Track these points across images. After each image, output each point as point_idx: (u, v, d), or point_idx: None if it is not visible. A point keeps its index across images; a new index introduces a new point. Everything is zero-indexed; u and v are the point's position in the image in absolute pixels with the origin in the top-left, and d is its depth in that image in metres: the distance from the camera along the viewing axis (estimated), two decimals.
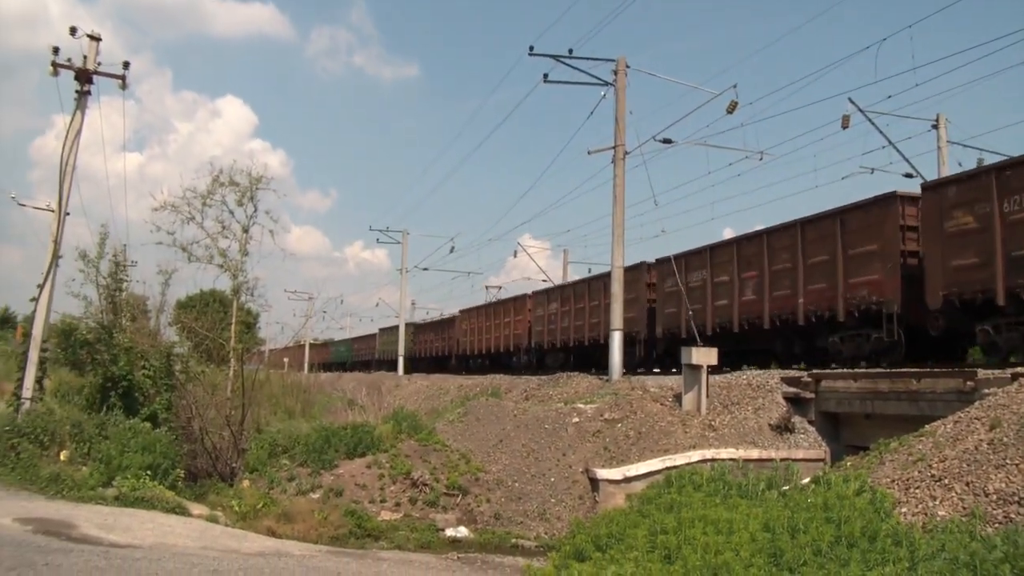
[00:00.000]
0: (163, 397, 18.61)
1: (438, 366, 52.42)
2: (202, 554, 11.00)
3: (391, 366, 58.57)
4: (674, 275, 25.72)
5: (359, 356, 76.68)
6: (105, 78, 20.32)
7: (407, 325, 57.97)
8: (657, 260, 28.02)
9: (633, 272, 27.67)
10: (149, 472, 14.85)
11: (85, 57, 19.70)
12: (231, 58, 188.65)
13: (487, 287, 64.77)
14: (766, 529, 8.73)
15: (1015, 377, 12.64)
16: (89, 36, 19.73)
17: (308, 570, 10.93)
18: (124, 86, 20.46)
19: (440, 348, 52.95)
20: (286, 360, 51.01)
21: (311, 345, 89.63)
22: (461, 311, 48.93)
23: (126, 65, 20.42)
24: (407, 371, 52.95)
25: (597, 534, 9.97)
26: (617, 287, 24.44)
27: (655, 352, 28.43)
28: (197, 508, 14.44)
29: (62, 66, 19.53)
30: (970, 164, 25.16)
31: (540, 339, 36.72)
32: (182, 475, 16.08)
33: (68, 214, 19.39)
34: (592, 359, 30.91)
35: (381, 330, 68.67)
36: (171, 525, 12.63)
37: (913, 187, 19.45)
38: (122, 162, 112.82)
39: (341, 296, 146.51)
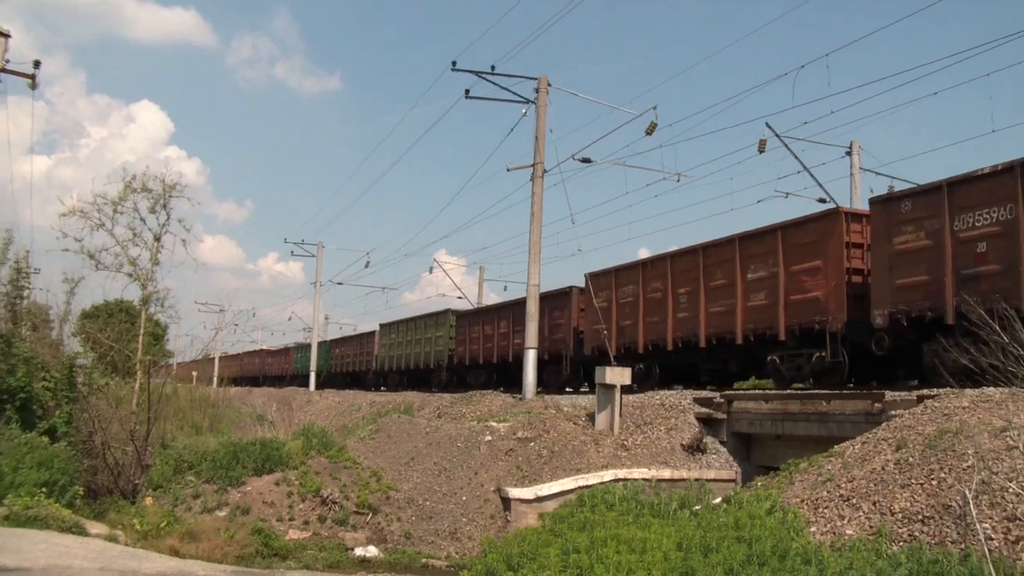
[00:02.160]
0: (64, 410, 17.92)
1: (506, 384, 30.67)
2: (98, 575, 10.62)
3: (416, 379, 42.56)
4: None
5: (344, 364, 55.24)
6: (13, 77, 19.71)
7: (481, 309, 40.27)
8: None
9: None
10: (44, 489, 14.22)
11: None
12: (149, 63, 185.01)
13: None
14: (679, 548, 8.78)
15: (920, 399, 13.01)
16: None
17: None
18: (34, 86, 19.86)
19: (549, 345, 28.92)
20: (194, 373, 49.76)
21: (265, 351, 79.15)
22: (617, 269, 26.01)
23: (37, 64, 19.84)
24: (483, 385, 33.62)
25: (509, 553, 9.90)
26: (533, 306, 24.54)
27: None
28: (96, 527, 13.91)
29: None
30: (882, 190, 25.95)
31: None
32: (81, 492, 15.46)
33: None
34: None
35: (385, 326, 47.19)
36: (67, 545, 12.14)
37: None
38: (29, 165, 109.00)
39: (253, 309, 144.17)
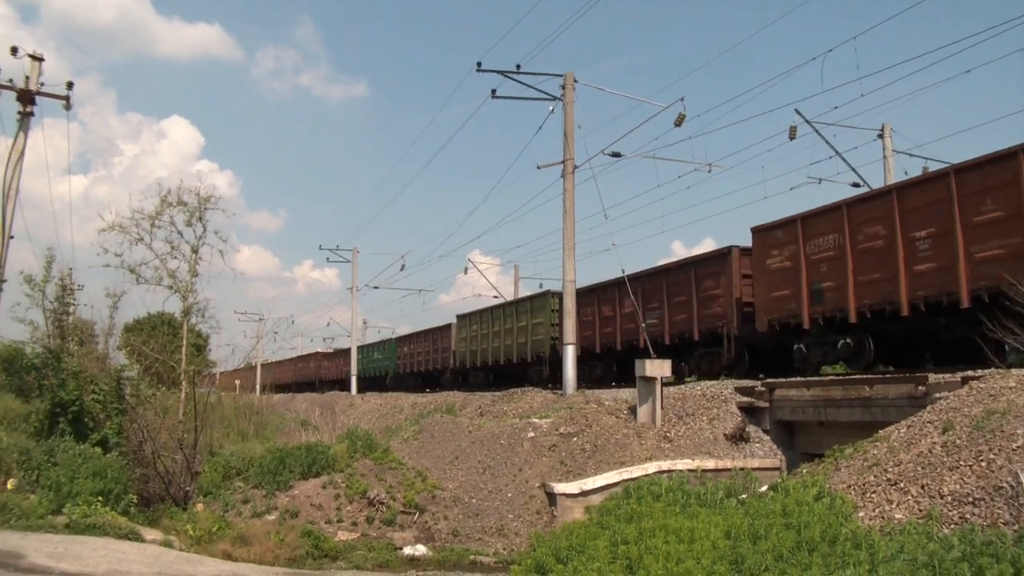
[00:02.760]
0: (114, 421, 18.24)
1: None
2: None
3: (507, 376, 36.01)
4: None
5: (414, 363, 48.01)
6: (48, 99, 20.09)
7: (595, 286, 29.51)
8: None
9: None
10: (100, 498, 14.59)
11: (27, 78, 19.46)
12: (177, 79, 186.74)
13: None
14: (727, 536, 8.79)
15: (965, 381, 12.91)
16: (31, 56, 19.51)
17: None
18: (68, 107, 20.26)
19: (700, 323, 23.99)
20: (237, 382, 50.06)
21: (320, 355, 71.81)
22: (806, 216, 20.49)
23: (70, 85, 20.28)
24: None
25: (558, 547, 9.95)
26: (570, 302, 24.55)
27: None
28: (151, 533, 14.20)
29: (3, 87, 19.29)
30: (916, 172, 25.76)
31: None
32: (135, 500, 15.79)
33: (12, 237, 19.10)
34: None
35: (464, 317, 41.14)
36: (124, 551, 12.41)
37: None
38: (67, 185, 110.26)
39: (291, 316, 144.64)
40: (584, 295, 28.21)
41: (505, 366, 36.20)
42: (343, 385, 58.82)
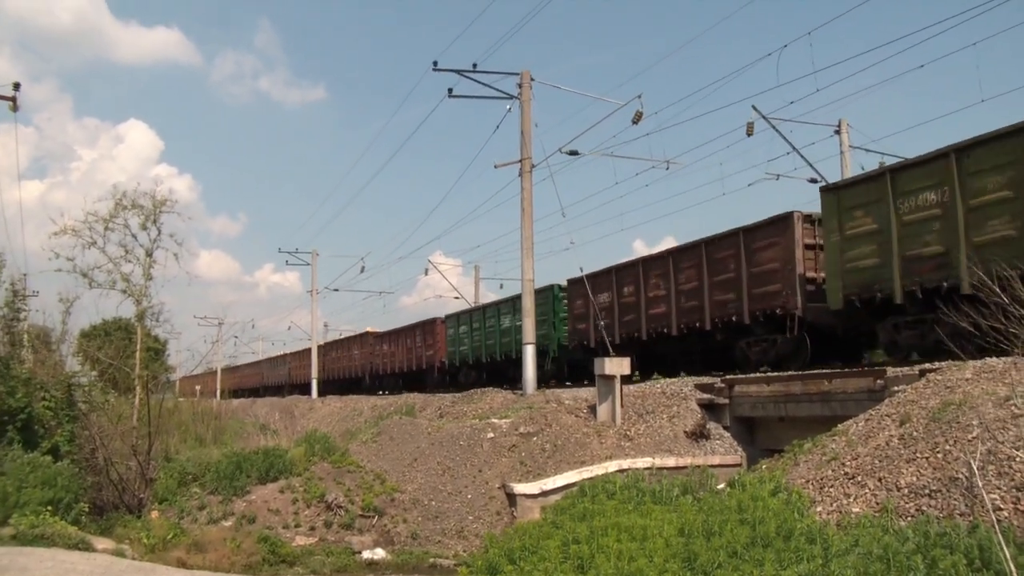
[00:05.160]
0: (65, 429, 17.84)
1: None
2: None
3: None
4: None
5: (625, 326, 24.87)
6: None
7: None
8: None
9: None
10: (50, 507, 14.20)
11: None
12: (136, 83, 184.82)
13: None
14: (680, 534, 8.72)
15: (923, 373, 12.95)
16: None
17: None
18: (15, 108, 19.91)
19: None
20: (197, 388, 49.40)
21: (374, 335, 49.60)
22: None
23: (16, 86, 19.88)
24: None
25: (510, 547, 9.82)
26: (528, 301, 24.44)
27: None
28: (102, 542, 13.86)
29: None
30: (873, 167, 25.97)
31: None
32: (86, 509, 15.42)
33: None
34: None
35: (834, 191, 17.71)
36: (73, 562, 12.09)
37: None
38: (21, 190, 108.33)
39: (252, 320, 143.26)
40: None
41: None
42: (428, 381, 41.09)
